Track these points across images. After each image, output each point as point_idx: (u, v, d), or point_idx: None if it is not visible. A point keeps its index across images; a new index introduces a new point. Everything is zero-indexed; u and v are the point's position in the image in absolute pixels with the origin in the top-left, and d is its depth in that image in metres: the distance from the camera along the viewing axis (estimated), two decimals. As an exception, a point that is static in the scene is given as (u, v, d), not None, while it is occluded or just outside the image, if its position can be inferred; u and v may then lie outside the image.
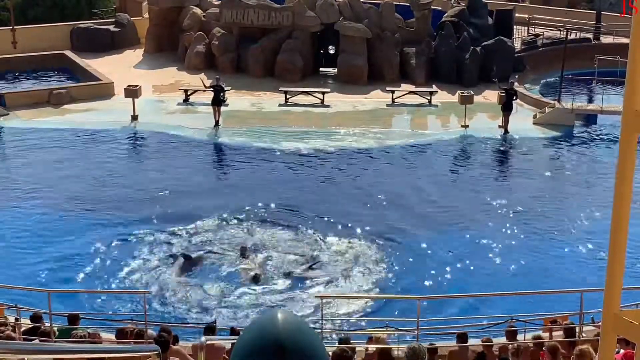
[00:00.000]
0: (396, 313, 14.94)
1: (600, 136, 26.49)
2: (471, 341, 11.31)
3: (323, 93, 28.89)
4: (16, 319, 12.69)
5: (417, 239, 18.61)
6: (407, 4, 32.46)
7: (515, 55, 31.75)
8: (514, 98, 26.35)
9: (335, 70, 31.50)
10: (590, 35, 35.00)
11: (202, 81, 28.25)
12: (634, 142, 2.53)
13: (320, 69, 32.19)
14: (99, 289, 16.00)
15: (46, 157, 23.79)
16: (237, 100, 28.42)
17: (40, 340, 10.46)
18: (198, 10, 33.14)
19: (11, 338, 10.30)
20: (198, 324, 14.20)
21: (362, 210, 20.03)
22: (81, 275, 16.66)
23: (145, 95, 27.52)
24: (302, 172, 23.02)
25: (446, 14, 32.45)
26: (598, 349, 2.81)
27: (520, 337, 11.57)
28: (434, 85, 29.97)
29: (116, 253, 17.60)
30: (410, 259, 17.58)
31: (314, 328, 10.84)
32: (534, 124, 27.02)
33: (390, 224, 19.24)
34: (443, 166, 23.78)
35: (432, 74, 30.80)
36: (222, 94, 26.46)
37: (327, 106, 28.45)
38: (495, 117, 26.79)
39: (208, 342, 7.10)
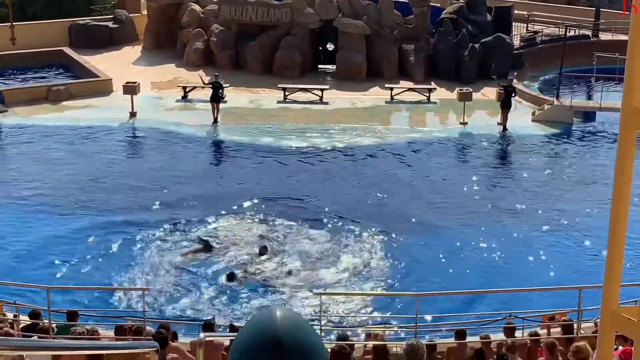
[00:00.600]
0: (395, 310, 14.97)
1: (599, 133, 26.50)
2: (469, 338, 11.32)
3: (322, 90, 28.89)
4: (15, 316, 12.69)
5: (415, 235, 18.62)
6: (406, 1, 32.44)
7: (514, 52, 31.75)
8: (513, 95, 26.35)
9: (334, 67, 31.49)
10: (589, 32, 35.00)
11: (201, 78, 28.23)
12: (632, 138, 2.53)
13: (319, 66, 32.18)
14: (97, 286, 16.00)
15: (45, 153, 23.78)
16: (236, 97, 28.40)
17: (39, 337, 10.47)
18: (197, 7, 33.11)
19: (10, 334, 10.30)
20: (196, 320, 14.21)
21: (360, 207, 20.03)
22: (80, 271, 16.65)
23: (143, 91, 27.50)
24: (301, 169, 23.02)
25: (445, 11, 32.44)
26: (596, 346, 2.81)
27: (518, 333, 11.58)
28: (432, 82, 29.98)
29: (114, 249, 17.60)
30: (408, 256, 17.59)
31: (313, 325, 10.86)
32: (532, 121, 27.03)
33: (388, 221, 19.23)
34: (441, 163, 23.78)
35: (430, 70, 30.80)
36: (220, 91, 26.45)
37: (326, 103, 28.44)
38: (494, 114, 26.79)
39: (207, 338, 7.10)
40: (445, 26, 31.17)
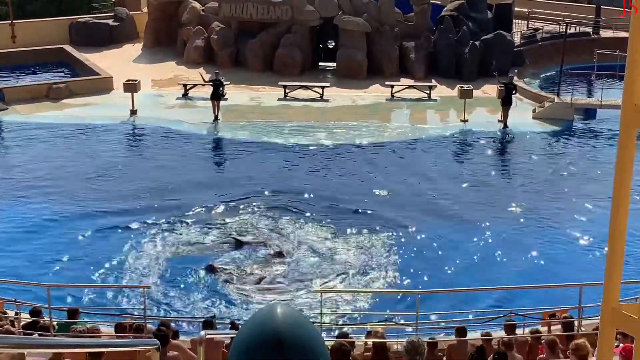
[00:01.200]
0: (396, 307, 14.98)
1: (600, 130, 26.48)
2: (470, 335, 11.33)
3: (322, 87, 28.87)
4: (16, 313, 12.70)
5: (415, 232, 18.61)
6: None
7: (515, 49, 31.71)
8: (514, 92, 26.33)
9: (335, 64, 31.47)
10: (589, 30, 34.96)
11: (201, 75, 28.22)
12: (633, 136, 2.53)
13: (320, 64, 32.16)
14: (98, 283, 16.01)
15: (45, 151, 23.79)
16: (236, 94, 28.40)
17: (40, 335, 10.48)
18: (197, 5, 33.10)
19: (10, 332, 10.31)
20: (197, 318, 14.22)
21: (361, 205, 20.03)
22: (80, 269, 16.65)
23: (144, 89, 27.49)
24: (302, 166, 23.01)
25: (445, 8, 32.41)
26: (597, 343, 2.81)
27: (519, 331, 11.59)
28: (433, 80, 29.96)
29: (114, 247, 17.59)
30: (409, 253, 17.59)
31: (314, 322, 10.86)
32: (533, 118, 27.02)
33: (388, 218, 19.23)
34: (442, 161, 23.77)
35: (431, 68, 30.77)
36: (221, 89, 26.44)
37: (327, 100, 28.44)
38: (495, 112, 26.78)
39: (207, 336, 7.10)
40: (446, 23, 31.14)
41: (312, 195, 20.62)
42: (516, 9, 34.43)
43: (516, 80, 27.76)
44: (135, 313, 13.66)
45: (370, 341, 10.86)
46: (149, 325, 11.56)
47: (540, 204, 20.33)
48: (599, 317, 2.77)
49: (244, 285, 16.11)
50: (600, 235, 17.18)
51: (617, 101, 23.98)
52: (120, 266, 16.79)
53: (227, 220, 19.10)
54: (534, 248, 17.87)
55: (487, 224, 19.09)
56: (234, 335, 2.51)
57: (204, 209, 19.62)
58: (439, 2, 33.61)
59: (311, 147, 24.27)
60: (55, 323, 11.63)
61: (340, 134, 25.35)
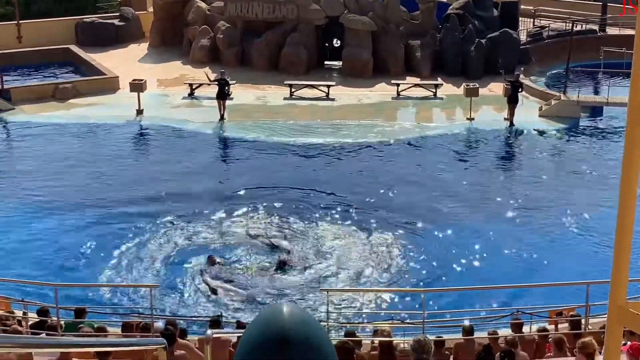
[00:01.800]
0: (402, 306, 14.97)
1: (606, 128, 26.42)
2: (477, 334, 11.31)
3: (328, 86, 28.87)
4: (24, 313, 12.74)
5: (422, 231, 18.61)
6: (412, -3, 32.37)
7: (521, 47, 31.65)
8: (520, 90, 26.28)
9: (340, 63, 31.46)
10: (596, 27, 34.87)
11: (207, 75, 28.24)
12: (639, 134, 2.52)
13: (325, 62, 32.15)
14: (105, 283, 16.04)
15: (51, 151, 23.83)
16: (242, 93, 28.42)
17: (47, 334, 10.51)
18: (202, 4, 33.13)
19: (18, 332, 10.35)
20: (203, 317, 14.23)
21: (366, 203, 20.02)
22: (87, 268, 16.70)
23: (150, 89, 27.54)
24: (307, 165, 23.02)
25: (451, 6, 32.37)
26: (604, 341, 2.80)
27: (526, 329, 11.57)
28: (439, 78, 29.92)
29: (121, 246, 17.62)
30: (415, 252, 17.58)
31: (320, 321, 10.86)
32: (539, 116, 26.96)
33: (394, 217, 19.23)
34: (448, 159, 23.74)
35: (437, 66, 30.74)
36: (227, 88, 26.46)
37: (332, 99, 28.43)
38: (501, 110, 26.73)
39: (214, 335, 7.12)
40: (452, 22, 31.10)
41: (318, 194, 20.62)
42: (522, 6, 34.35)
43: (522, 78, 27.70)
44: (143, 312, 13.68)
45: (376, 340, 10.85)
46: (156, 325, 11.58)
47: (547, 201, 20.30)
48: (606, 315, 2.77)
49: (250, 284, 16.12)
50: (607, 232, 17.13)
51: (624, 99, 23.91)
52: (127, 265, 16.82)
53: (234, 219, 19.10)
54: (541, 246, 17.83)
55: (493, 221, 19.06)
56: (241, 334, 2.52)
57: (209, 208, 19.63)
58: (445, 0, 33.56)
59: (317, 146, 24.26)
60: (62, 322, 11.65)
61: (346, 132, 25.34)
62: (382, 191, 20.78)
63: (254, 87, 29.44)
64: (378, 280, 16.46)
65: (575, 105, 26.84)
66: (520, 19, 33.75)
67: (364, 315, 15.14)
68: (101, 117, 26.41)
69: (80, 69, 31.84)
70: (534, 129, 25.84)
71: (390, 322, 13.35)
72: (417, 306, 13.40)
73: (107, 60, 31.80)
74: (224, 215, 19.34)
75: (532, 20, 35.65)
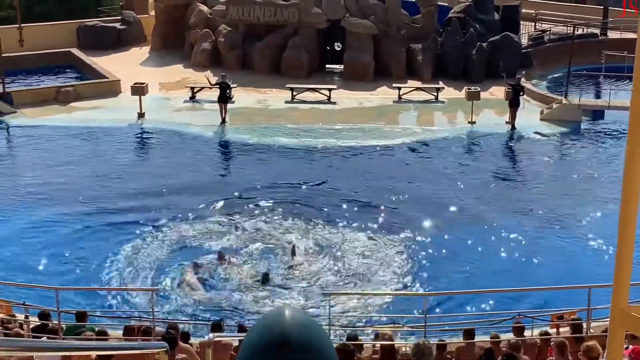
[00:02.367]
0: (404, 309, 14.95)
1: (608, 132, 26.41)
2: (479, 337, 11.30)
3: (329, 90, 28.89)
4: (25, 317, 12.74)
5: (423, 235, 18.58)
6: (413, 0, 32.41)
7: (522, 51, 31.69)
8: (521, 94, 26.30)
9: (342, 66, 31.49)
10: (597, 31, 34.89)
11: (208, 78, 28.27)
12: (641, 137, 2.52)
13: (327, 66, 32.18)
14: (106, 286, 16.03)
15: (53, 154, 23.85)
16: (244, 97, 28.44)
17: (48, 338, 10.50)
18: (204, 8, 33.17)
19: (19, 335, 10.34)
20: (203, 320, 14.22)
21: (368, 207, 20.02)
22: (89, 272, 16.68)
23: (151, 92, 27.57)
24: (309, 168, 23.02)
25: (452, 10, 32.40)
26: (606, 345, 2.80)
27: (527, 333, 11.55)
28: (440, 82, 29.94)
29: (123, 249, 17.62)
30: (417, 256, 17.56)
31: (322, 325, 10.85)
32: (541, 119, 26.96)
33: (395, 220, 19.21)
34: (450, 163, 23.74)
35: (438, 70, 30.76)
36: (228, 91, 26.48)
37: (334, 103, 28.45)
38: (502, 113, 26.74)
39: (215, 339, 7.11)
40: (453, 25, 31.12)
41: (319, 198, 20.62)
42: (523, 10, 34.40)
43: (524, 82, 27.70)
44: (144, 315, 13.68)
45: (378, 343, 10.85)
46: (157, 328, 11.57)
47: (548, 205, 20.28)
48: (608, 319, 2.76)
49: (252, 287, 16.10)
50: (609, 236, 17.12)
51: (625, 102, 23.92)
52: (129, 268, 16.80)
53: (236, 222, 19.09)
54: (543, 249, 17.82)
55: (495, 225, 19.04)
56: (242, 337, 2.51)
57: (211, 211, 19.63)
58: (446, 4, 33.60)
59: (319, 150, 24.27)
60: (63, 326, 11.65)
61: (347, 136, 25.34)
62: (382, 195, 20.76)
63: (255, 90, 29.46)
64: (379, 283, 16.42)
65: (577, 109, 26.84)
66: (521, 22, 33.80)
67: (365, 319, 15.11)
68: (103, 121, 26.43)
69: (82, 72, 31.90)
70: (535, 133, 25.88)
71: (391, 325, 13.34)
72: (418, 310, 13.37)
73: (109, 63, 31.85)
74: (224, 219, 19.33)
75: (533, 23, 35.69)
